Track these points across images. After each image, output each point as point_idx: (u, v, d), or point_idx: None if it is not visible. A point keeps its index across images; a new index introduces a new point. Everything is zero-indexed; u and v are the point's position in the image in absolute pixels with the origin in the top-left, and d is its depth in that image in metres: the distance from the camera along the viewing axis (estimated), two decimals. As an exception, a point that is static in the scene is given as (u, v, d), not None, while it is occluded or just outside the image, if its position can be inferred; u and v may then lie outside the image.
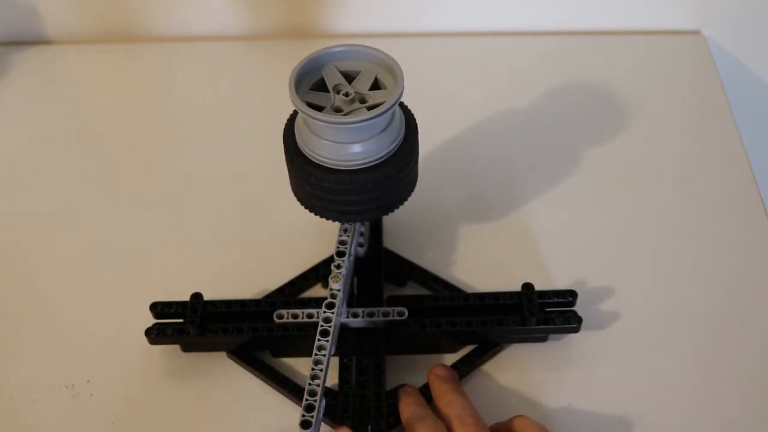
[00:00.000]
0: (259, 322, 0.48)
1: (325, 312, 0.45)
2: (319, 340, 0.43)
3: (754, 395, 0.48)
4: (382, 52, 0.44)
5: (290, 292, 0.51)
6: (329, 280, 0.46)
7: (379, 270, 0.51)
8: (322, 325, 0.44)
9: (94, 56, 0.72)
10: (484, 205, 0.59)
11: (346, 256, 0.46)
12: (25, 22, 0.72)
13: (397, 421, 0.45)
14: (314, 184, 0.43)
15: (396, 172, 0.44)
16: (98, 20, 0.73)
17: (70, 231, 0.58)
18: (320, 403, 0.42)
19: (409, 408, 0.44)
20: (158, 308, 0.48)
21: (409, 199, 0.56)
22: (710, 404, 0.47)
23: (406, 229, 0.56)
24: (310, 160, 0.43)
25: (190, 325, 0.47)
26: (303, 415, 0.41)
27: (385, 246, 0.54)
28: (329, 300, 0.45)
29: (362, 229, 0.51)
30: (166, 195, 0.60)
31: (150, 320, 0.48)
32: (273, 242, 0.56)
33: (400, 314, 0.48)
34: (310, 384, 0.42)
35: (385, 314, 0.48)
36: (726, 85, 0.67)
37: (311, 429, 0.40)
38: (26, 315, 0.53)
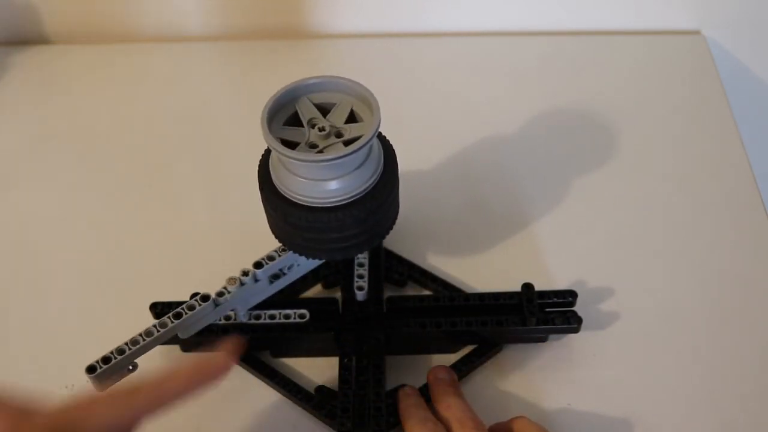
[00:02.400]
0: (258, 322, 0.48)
1: (195, 301, 0.44)
2: (168, 317, 0.43)
3: (754, 395, 0.48)
4: (357, 83, 0.42)
5: (290, 293, 0.51)
6: (226, 279, 0.44)
7: (379, 270, 0.51)
8: (181, 308, 0.43)
9: (94, 56, 0.72)
10: (484, 205, 0.59)
11: (262, 269, 0.44)
12: (25, 22, 0.72)
13: (397, 421, 0.45)
14: (291, 222, 0.41)
15: (376, 207, 0.42)
16: (98, 20, 0.73)
17: (70, 231, 0.58)
18: (119, 363, 0.41)
19: (409, 409, 0.44)
20: (158, 308, 0.49)
21: (410, 199, 0.56)
22: (710, 404, 0.47)
23: (406, 229, 0.56)
24: (286, 198, 0.41)
25: (190, 325, 0.47)
26: (96, 362, 0.41)
27: (385, 246, 0.54)
28: (207, 294, 0.44)
29: (362, 272, 0.49)
30: (166, 195, 0.60)
31: (150, 320, 0.48)
32: (273, 242, 0.55)
33: (302, 316, 0.47)
34: (126, 343, 0.42)
35: (287, 316, 0.47)
36: (726, 85, 0.67)
37: (94, 375, 0.41)
38: (26, 315, 0.53)
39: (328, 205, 0.41)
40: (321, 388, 0.47)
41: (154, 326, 0.43)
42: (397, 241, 0.55)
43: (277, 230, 0.44)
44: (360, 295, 0.49)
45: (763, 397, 0.47)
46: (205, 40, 0.73)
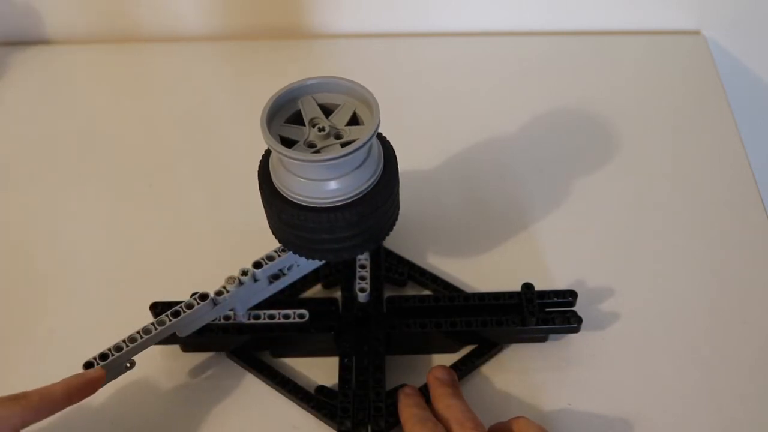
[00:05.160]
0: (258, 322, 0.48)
1: (194, 299, 0.44)
2: (167, 315, 0.43)
3: (754, 395, 0.48)
4: (358, 84, 0.42)
5: (290, 293, 0.51)
6: (225, 279, 0.44)
7: (379, 270, 0.51)
8: (179, 307, 0.44)
9: (94, 56, 0.72)
10: (485, 205, 0.59)
11: (261, 269, 0.45)
12: (25, 22, 0.72)
13: (397, 421, 0.45)
14: (290, 222, 0.41)
15: (375, 208, 0.42)
16: (98, 20, 0.73)
17: (69, 231, 0.58)
18: (117, 360, 0.42)
19: (409, 409, 0.44)
20: (158, 308, 0.48)
21: (410, 198, 0.56)
22: (710, 404, 0.47)
23: (406, 229, 0.56)
24: (286, 198, 0.41)
25: (190, 325, 0.47)
26: (94, 358, 0.42)
27: (385, 246, 0.53)
28: (206, 293, 0.44)
29: (363, 273, 0.49)
30: (166, 195, 0.60)
31: (150, 320, 0.48)
32: (273, 242, 0.56)
33: (301, 316, 0.47)
34: (124, 341, 0.43)
35: (286, 317, 0.47)
36: (726, 85, 0.67)
37: (91, 370, 0.42)
38: (26, 315, 0.53)
39: (325, 206, 0.41)
40: (321, 388, 0.47)
41: (152, 324, 0.43)
42: (397, 241, 0.55)
43: (276, 230, 0.44)
44: (362, 297, 0.49)
45: (763, 397, 0.47)
46: (206, 40, 0.73)
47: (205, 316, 0.45)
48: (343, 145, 0.40)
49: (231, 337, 0.48)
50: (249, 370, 0.49)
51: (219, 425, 0.47)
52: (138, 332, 0.43)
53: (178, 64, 0.72)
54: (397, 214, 0.46)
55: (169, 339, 0.48)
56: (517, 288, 0.49)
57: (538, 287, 0.49)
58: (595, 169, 0.61)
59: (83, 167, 0.63)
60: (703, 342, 0.50)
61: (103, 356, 0.42)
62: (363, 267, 0.50)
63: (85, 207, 0.59)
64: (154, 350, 0.49)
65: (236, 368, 0.49)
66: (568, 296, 0.49)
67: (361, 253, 0.45)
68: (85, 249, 0.57)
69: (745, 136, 0.63)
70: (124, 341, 0.43)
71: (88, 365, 0.42)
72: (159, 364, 0.50)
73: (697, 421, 0.47)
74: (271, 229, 0.45)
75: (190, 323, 0.44)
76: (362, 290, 0.49)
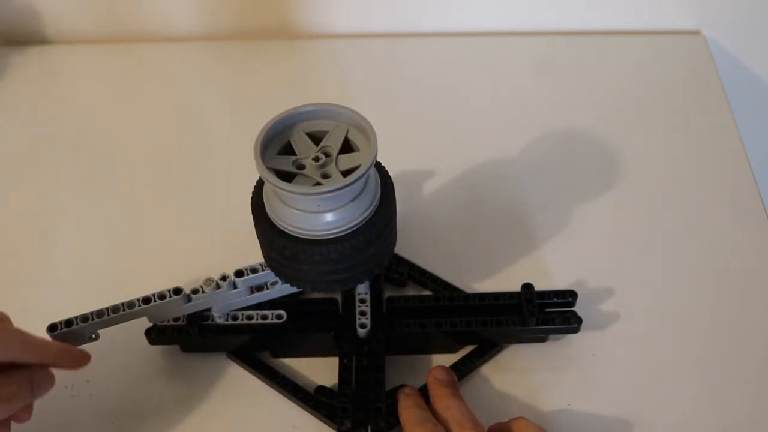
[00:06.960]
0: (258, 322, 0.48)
1: (167, 291, 0.44)
2: (137, 299, 0.44)
3: (755, 396, 0.48)
4: (353, 111, 0.41)
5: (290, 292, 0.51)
6: (204, 279, 0.45)
7: (378, 278, 0.51)
8: (151, 294, 0.44)
9: (94, 56, 0.73)
10: (484, 205, 0.59)
11: (241, 279, 0.44)
12: (25, 22, 0.72)
13: (397, 421, 0.45)
14: (285, 254, 0.41)
15: (372, 240, 0.41)
16: (98, 20, 0.73)
17: (69, 230, 0.58)
18: (80, 329, 0.44)
19: (408, 410, 0.44)
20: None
21: (410, 198, 0.56)
22: (710, 405, 0.47)
23: (406, 229, 0.56)
24: (279, 229, 0.40)
25: (190, 325, 0.47)
26: (60, 322, 0.44)
27: (385, 246, 0.53)
28: (180, 288, 0.44)
29: (364, 308, 0.47)
30: (166, 194, 0.60)
31: (147, 321, 0.48)
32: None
33: (279, 317, 0.47)
34: (92, 313, 0.44)
35: (264, 317, 0.47)
36: (726, 85, 0.67)
37: (54, 334, 0.43)
38: (26, 315, 0.53)
39: (323, 237, 0.40)
40: (321, 388, 0.47)
41: (122, 305, 0.44)
42: (397, 242, 0.55)
43: (270, 260, 0.44)
44: (362, 333, 0.47)
45: (763, 398, 0.47)
46: (207, 40, 0.73)
47: (177, 309, 0.45)
48: (342, 173, 0.39)
49: (231, 337, 0.48)
50: (249, 370, 0.49)
51: (219, 425, 0.47)
52: (107, 308, 0.44)
53: (178, 64, 0.72)
54: (394, 245, 0.45)
55: (170, 339, 0.48)
56: (517, 288, 0.49)
57: (538, 287, 0.49)
58: (594, 169, 0.61)
59: (83, 167, 0.63)
60: (703, 342, 0.50)
61: (68, 322, 0.44)
62: (363, 302, 0.48)
63: (85, 207, 0.59)
64: (154, 350, 0.50)
65: (236, 368, 0.49)
66: (568, 296, 0.49)
67: (354, 286, 0.45)
68: (84, 249, 0.57)
69: (745, 136, 0.63)
70: (91, 313, 0.44)
71: (52, 328, 0.43)
72: (159, 364, 0.50)
73: (697, 421, 0.47)
74: (263, 256, 0.44)
75: (160, 312, 0.45)
76: (362, 326, 0.47)
